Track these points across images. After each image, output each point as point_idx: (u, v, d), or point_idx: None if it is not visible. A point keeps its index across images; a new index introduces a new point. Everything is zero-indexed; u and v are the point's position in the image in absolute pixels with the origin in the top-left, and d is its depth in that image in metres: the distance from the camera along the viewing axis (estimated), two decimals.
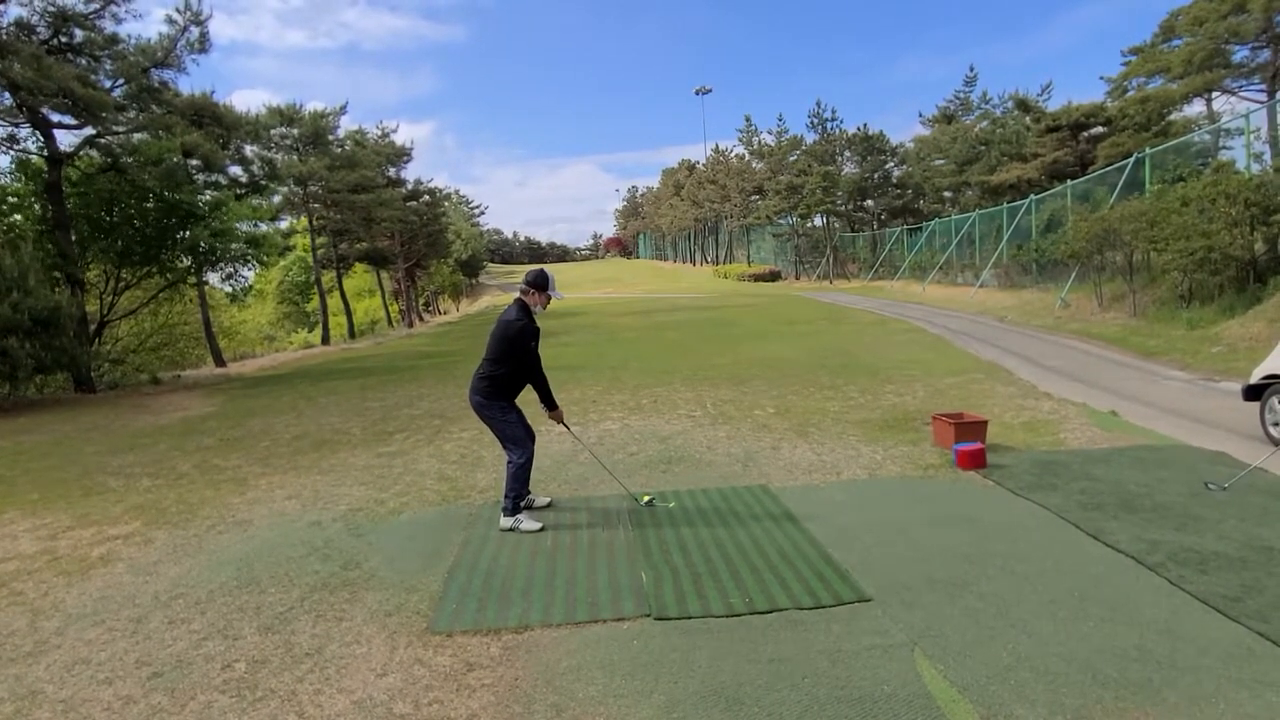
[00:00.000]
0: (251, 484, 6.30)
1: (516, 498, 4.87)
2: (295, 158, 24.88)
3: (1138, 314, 14.09)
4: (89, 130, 14.13)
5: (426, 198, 38.03)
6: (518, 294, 4.97)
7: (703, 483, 5.71)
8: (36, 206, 14.75)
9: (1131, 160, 17.41)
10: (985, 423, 6.14)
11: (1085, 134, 28.27)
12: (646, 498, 5.27)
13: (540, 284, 4.87)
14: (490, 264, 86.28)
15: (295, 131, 24.98)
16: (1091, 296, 16.34)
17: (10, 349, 10.43)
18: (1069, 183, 21.01)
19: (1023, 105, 32.33)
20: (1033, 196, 22.76)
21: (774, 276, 47.15)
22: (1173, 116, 23.89)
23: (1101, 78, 27.50)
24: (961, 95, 41.29)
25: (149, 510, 5.67)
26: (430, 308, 50.31)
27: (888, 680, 2.86)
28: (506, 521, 4.85)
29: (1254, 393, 6.45)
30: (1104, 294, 15.94)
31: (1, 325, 10.39)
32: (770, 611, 3.48)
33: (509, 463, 4.87)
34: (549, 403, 5.02)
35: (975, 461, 5.61)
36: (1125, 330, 13.07)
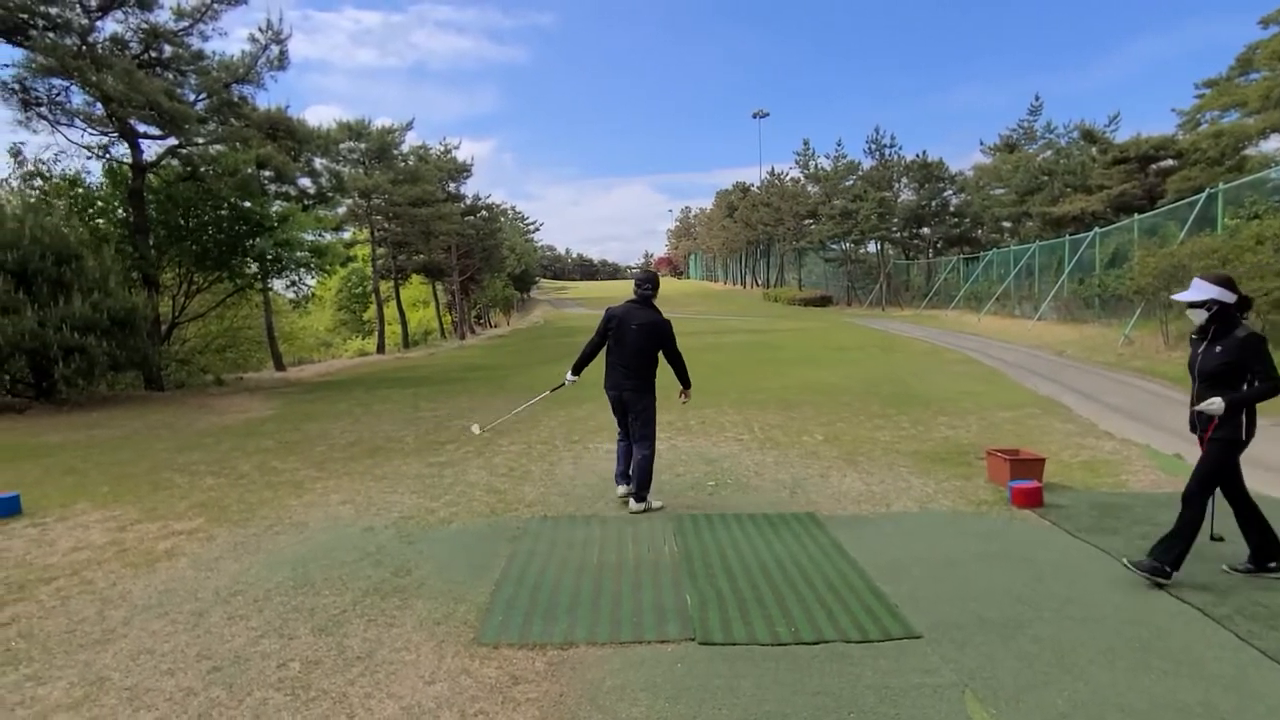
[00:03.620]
0: (308, 487, 6.49)
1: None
2: (361, 171, 25.70)
3: None
4: (171, 140, 14.86)
5: (484, 213, 38.80)
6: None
7: (749, 507, 5.68)
8: (120, 211, 15.52)
9: (1204, 195, 16.83)
10: (1043, 460, 5.99)
11: (1154, 167, 27.46)
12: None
13: None
14: (543, 279, 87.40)
15: (362, 146, 25.85)
16: (1157, 334, 15.79)
17: (88, 347, 10.96)
18: (1136, 216, 20.40)
19: (1089, 136, 31.54)
20: (1097, 229, 22.16)
21: (825, 301, 46.66)
22: (1248, 151, 23.05)
23: (1173, 110, 26.74)
24: (1025, 124, 40.40)
25: (212, 508, 5.88)
26: (482, 320, 51.14)
27: None
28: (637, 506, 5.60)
29: None
30: (1170, 332, 15.38)
31: (81, 324, 10.94)
32: (816, 643, 3.45)
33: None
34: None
35: (1031, 500, 5.47)
36: None
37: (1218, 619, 3.58)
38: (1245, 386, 3.85)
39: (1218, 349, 3.91)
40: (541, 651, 3.43)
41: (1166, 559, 3.94)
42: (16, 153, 15.11)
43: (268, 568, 4.53)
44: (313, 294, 24.48)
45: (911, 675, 3.15)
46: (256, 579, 4.35)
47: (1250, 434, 3.93)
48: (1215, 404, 3.87)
